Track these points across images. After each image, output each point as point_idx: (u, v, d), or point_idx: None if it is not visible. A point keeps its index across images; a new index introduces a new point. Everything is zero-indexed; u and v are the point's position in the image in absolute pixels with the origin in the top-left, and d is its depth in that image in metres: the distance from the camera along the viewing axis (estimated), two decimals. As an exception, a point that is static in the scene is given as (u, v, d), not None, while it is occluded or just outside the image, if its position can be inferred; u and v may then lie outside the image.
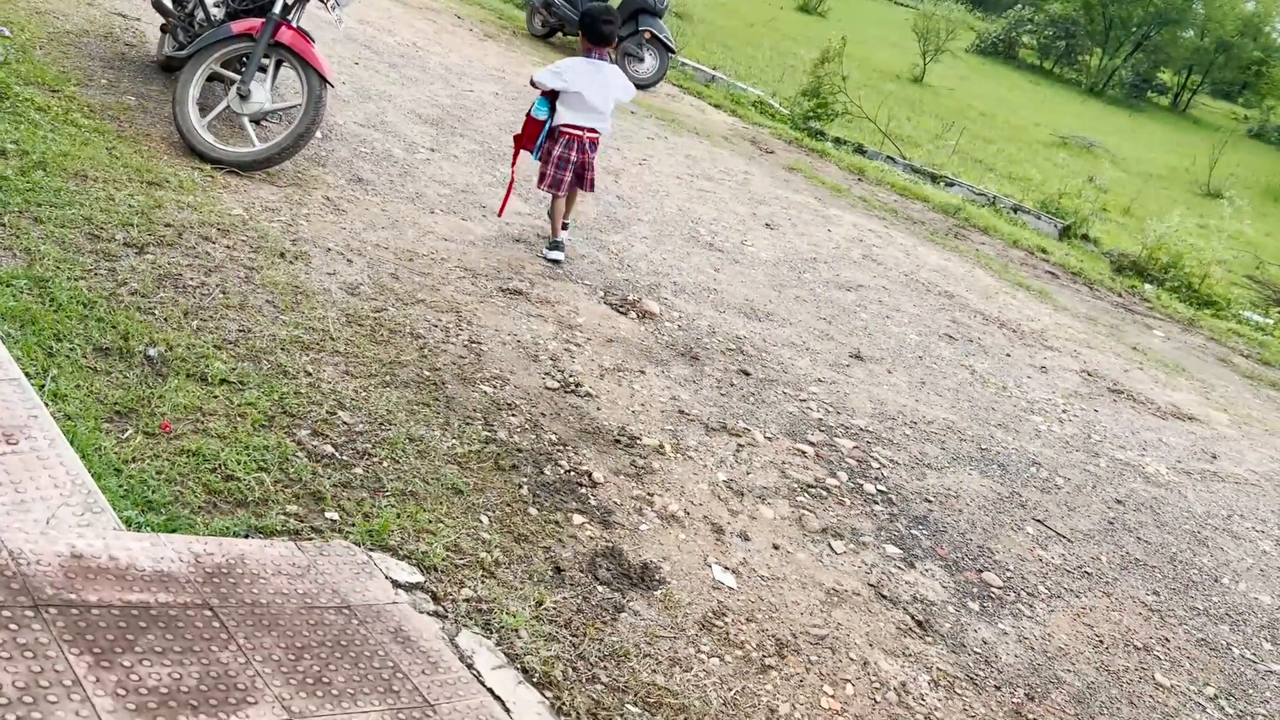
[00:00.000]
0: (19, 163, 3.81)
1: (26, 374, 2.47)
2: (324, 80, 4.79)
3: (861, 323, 5.76)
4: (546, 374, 3.88)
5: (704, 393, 4.20)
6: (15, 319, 2.81)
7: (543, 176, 5.04)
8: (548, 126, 4.99)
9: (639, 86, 10.56)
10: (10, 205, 3.45)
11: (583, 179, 5.03)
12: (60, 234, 3.41)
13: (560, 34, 11.48)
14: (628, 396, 3.93)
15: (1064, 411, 5.47)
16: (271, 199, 4.55)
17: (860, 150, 11.76)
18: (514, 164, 5.15)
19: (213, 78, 4.90)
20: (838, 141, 11.63)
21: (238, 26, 4.78)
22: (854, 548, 3.44)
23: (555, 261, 5.02)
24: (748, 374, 4.52)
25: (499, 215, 5.32)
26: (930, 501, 3.95)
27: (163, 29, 5.66)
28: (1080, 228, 10.99)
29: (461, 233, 5.03)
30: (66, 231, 3.44)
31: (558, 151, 4.95)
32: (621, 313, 4.73)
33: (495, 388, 3.63)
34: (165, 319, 3.18)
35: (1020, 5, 35.80)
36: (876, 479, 3.98)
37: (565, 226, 5.19)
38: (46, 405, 2.35)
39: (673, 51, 10.90)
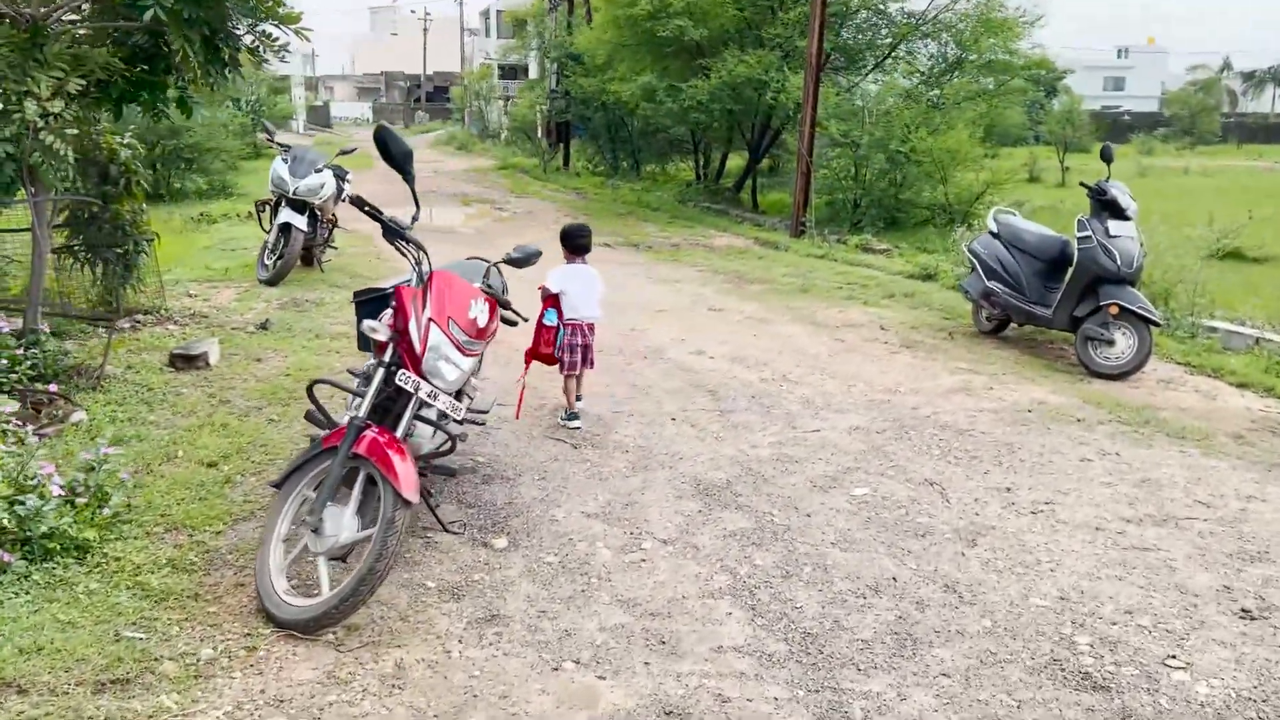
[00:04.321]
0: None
1: None
2: (401, 500, 3.60)
3: None
4: None
5: None
6: None
7: (560, 363, 6.01)
8: (560, 326, 5.98)
9: (1114, 377, 7.83)
10: None
11: (585, 358, 6.05)
12: None
13: (1013, 324, 9.28)
14: None
15: None
16: (303, 680, 3.34)
17: None
18: (524, 374, 6.14)
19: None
20: None
21: (326, 440, 3.88)
22: None
23: (576, 428, 5.99)
24: None
25: (516, 418, 6.08)
26: None
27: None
28: None
29: (581, 705, 3.28)
30: None
31: (566, 339, 5.95)
32: None
33: None
34: None
35: None
36: None
37: (579, 399, 6.17)
38: None
39: (1156, 325, 8.03)
